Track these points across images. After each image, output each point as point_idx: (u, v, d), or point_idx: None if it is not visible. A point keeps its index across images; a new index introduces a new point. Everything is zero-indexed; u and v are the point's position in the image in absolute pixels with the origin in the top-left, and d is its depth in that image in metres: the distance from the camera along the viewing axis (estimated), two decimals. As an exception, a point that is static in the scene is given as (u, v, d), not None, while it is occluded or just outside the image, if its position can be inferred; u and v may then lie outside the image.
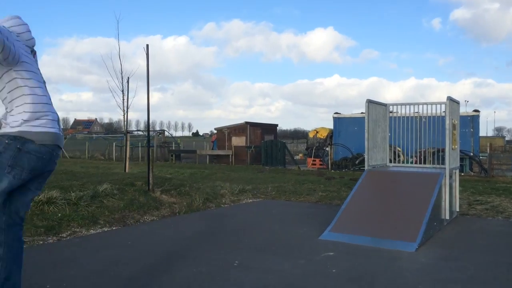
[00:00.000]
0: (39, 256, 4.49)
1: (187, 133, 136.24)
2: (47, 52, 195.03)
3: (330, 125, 21.92)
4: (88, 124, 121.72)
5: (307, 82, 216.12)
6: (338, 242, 5.06)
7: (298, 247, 4.91)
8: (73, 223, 5.86)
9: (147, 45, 8.42)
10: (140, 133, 37.67)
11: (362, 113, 20.18)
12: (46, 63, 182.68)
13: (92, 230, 5.75)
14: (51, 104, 2.56)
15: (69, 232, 5.57)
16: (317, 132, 22.43)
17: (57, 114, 2.56)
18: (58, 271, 3.91)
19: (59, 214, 5.98)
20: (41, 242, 5.08)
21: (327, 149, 20.53)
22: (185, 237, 5.40)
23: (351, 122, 20.48)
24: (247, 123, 25.66)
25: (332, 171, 17.65)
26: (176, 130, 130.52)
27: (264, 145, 21.64)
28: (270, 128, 27.47)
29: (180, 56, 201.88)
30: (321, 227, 5.68)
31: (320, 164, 20.34)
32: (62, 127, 2.66)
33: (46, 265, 4.15)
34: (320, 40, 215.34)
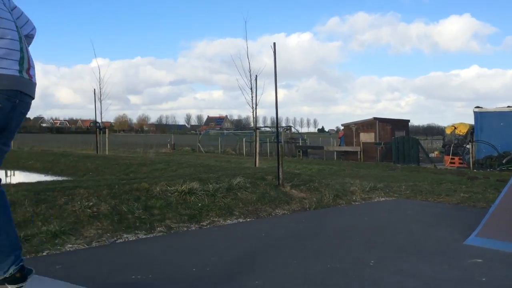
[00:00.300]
0: (184, 242, 4.89)
1: (312, 129, 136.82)
2: (182, 55, 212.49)
3: (470, 120, 20.04)
4: (219, 120, 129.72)
5: (441, 74, 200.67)
6: (486, 249, 4.56)
7: (440, 250, 4.55)
8: (212, 213, 6.25)
9: (274, 43, 8.57)
10: (268, 129, 38.79)
11: (509, 107, 18.03)
12: (182, 65, 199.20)
13: (228, 221, 6.07)
14: (16, 39, 1.94)
15: (208, 221, 5.97)
16: (455, 128, 20.64)
17: (21, 52, 1.94)
18: (202, 257, 4.20)
19: (199, 204, 6.43)
20: (185, 229, 5.53)
21: (467, 146, 18.79)
22: (316, 232, 5.39)
23: (496, 117, 18.41)
24: (375, 118, 24.78)
25: (475, 170, 16.08)
26: (301, 126, 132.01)
27: (395, 142, 20.63)
28: (401, 124, 26.12)
29: (304, 52, 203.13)
30: (465, 231, 5.19)
31: (460, 163, 18.70)
32: (34, 76, 2.01)
33: (191, 250, 4.49)
34: (455, 28, 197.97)
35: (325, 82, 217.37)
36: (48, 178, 11.86)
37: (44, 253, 4.31)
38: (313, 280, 3.57)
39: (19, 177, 13.30)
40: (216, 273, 3.71)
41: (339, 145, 27.12)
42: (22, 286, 1.83)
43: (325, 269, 3.85)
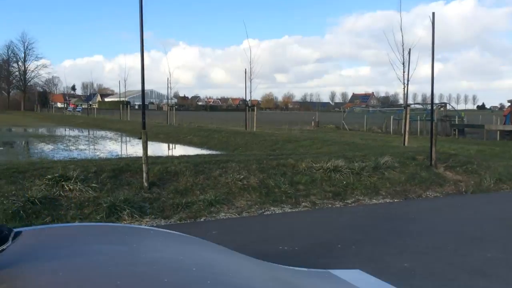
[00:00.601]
0: (329, 218, 4.92)
1: (470, 106, 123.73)
2: (330, 31, 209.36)
3: None
4: (365, 98, 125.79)
5: None
6: None
7: None
8: (357, 191, 6.14)
9: (433, 13, 7.97)
10: (419, 106, 36.31)
11: None
12: (328, 42, 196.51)
13: (374, 200, 5.90)
14: None
15: (353, 199, 5.88)
16: None
17: None
18: (347, 234, 4.17)
19: (344, 182, 6.36)
20: (329, 206, 5.55)
21: None
22: (474, 217, 4.93)
23: None
24: (552, 93, 21.28)
25: None
26: (458, 103, 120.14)
27: None
28: None
29: (465, 21, 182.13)
30: None
31: None
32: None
33: (336, 227, 4.50)
34: None
35: (489, 53, 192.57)
36: (204, 151, 12.98)
37: (202, 219, 4.76)
38: (471, 269, 3.28)
39: (179, 150, 14.84)
40: (361, 251, 3.65)
41: (504, 124, 24.08)
42: (2, 249, 1.57)
43: (484, 258, 3.50)
